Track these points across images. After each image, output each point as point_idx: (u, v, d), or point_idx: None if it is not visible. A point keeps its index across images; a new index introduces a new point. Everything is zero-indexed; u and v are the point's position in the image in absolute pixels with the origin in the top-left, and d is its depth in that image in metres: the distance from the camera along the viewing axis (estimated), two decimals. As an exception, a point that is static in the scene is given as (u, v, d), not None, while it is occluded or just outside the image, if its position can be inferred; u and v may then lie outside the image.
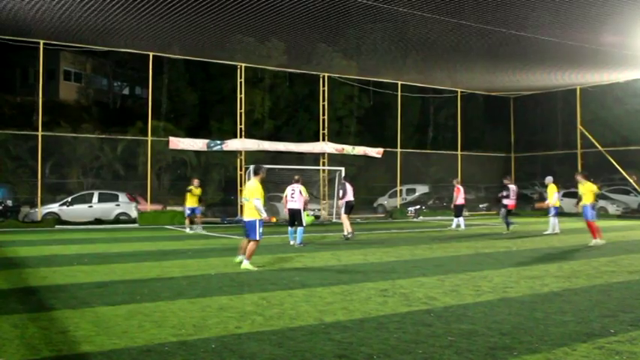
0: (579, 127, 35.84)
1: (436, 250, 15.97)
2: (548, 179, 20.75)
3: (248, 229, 11.73)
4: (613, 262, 13.06)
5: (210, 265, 12.75)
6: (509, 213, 22.53)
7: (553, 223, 20.92)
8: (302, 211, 17.22)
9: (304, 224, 17.24)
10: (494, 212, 37.77)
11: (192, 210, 22.02)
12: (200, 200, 22.31)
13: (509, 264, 12.86)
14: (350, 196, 19.68)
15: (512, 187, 22.75)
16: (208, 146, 29.30)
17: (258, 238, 11.62)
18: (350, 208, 19.73)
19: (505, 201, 22.55)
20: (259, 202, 11.56)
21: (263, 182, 11.97)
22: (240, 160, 30.34)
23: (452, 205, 24.21)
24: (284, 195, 17.88)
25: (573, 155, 36.13)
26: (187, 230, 21.99)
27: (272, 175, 28.07)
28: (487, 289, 9.83)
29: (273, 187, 28.50)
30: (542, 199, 21.99)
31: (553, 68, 30.45)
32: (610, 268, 12.15)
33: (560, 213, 34.92)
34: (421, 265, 12.75)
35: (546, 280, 10.61)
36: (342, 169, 30.14)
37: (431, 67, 31.33)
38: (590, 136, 35.38)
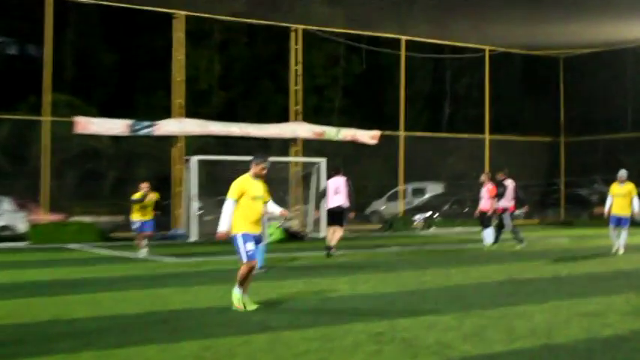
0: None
1: (453, 277, 15.95)
2: (623, 174, 20.78)
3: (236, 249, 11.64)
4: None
5: (132, 300, 12.68)
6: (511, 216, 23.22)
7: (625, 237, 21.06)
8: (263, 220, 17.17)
9: (266, 240, 17.16)
10: (536, 221, 38.04)
11: (142, 225, 21.35)
12: (157, 209, 21.77)
13: (557, 295, 12.90)
14: (339, 200, 20.13)
15: (510, 183, 23.30)
16: (132, 129, 29.16)
17: (244, 260, 11.45)
18: (334, 215, 20.28)
19: (501, 203, 22.99)
20: (229, 205, 11.35)
21: (261, 178, 11.67)
22: (178, 149, 30.20)
23: (477, 212, 24.21)
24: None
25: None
26: (140, 253, 21.40)
27: (220, 169, 27.95)
28: (524, 331, 9.81)
29: (223, 188, 28.43)
30: (604, 201, 22.20)
31: (621, 15, 30.65)
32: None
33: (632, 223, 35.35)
34: (432, 298, 12.73)
35: (609, 319, 10.64)
36: (323, 160, 30.09)
37: (448, 16, 31.44)
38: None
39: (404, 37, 35.01)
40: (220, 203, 33.21)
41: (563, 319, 10.66)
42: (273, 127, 32.32)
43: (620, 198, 20.62)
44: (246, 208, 11.33)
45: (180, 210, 29.77)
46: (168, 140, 30.76)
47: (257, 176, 11.59)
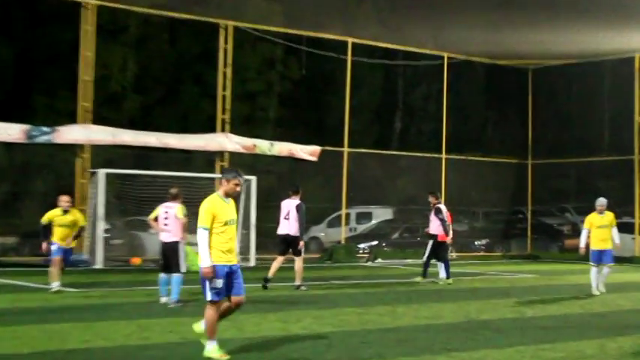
0: (637, 118, 36.72)
1: (402, 316, 15.95)
2: (604, 202, 20.87)
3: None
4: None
5: (24, 337, 12.51)
6: (438, 249, 23.51)
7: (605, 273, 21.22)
8: (180, 246, 17.01)
9: (182, 269, 17.04)
10: (499, 253, 38.39)
11: (64, 252, 19.99)
12: (79, 234, 20.41)
13: (521, 340, 12.96)
14: (286, 227, 20.62)
15: (444, 208, 23.96)
16: (29, 135, 28.77)
17: (207, 298, 11.06)
18: (283, 243, 20.81)
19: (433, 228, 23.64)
20: (203, 236, 10.80)
21: (229, 196, 11.16)
22: (82, 160, 29.81)
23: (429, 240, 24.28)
24: (150, 218, 17.70)
25: (628, 163, 37.03)
26: (53, 286, 20.04)
27: (133, 186, 27.64)
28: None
29: (135, 207, 28.14)
30: (577, 233, 22.45)
31: (598, 23, 31.14)
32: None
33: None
34: (375, 341, 12.69)
35: (579, 368, 10.71)
36: (253, 178, 30.00)
37: (402, 17, 31.64)
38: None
39: (351, 40, 35.12)
40: (131, 225, 32.86)
41: (527, 367, 10.72)
42: (196, 139, 32.10)
43: (601, 230, 20.68)
44: (216, 236, 10.81)
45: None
46: (72, 149, 30.34)
47: (228, 195, 11.05)
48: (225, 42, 32.63)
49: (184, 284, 17.57)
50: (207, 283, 10.80)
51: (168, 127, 35.87)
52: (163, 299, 17.19)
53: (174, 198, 17.47)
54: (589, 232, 20.75)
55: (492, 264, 33.32)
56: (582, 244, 20.98)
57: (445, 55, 37.71)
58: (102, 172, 28.26)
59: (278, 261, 20.85)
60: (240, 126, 35.57)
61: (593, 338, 13.27)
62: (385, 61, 39.82)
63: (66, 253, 19.62)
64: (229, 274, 10.89)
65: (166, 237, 17.19)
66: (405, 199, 40.15)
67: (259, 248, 30.46)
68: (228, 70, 32.64)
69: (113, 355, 11.20)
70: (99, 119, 31.21)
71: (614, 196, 33.42)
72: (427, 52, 37.79)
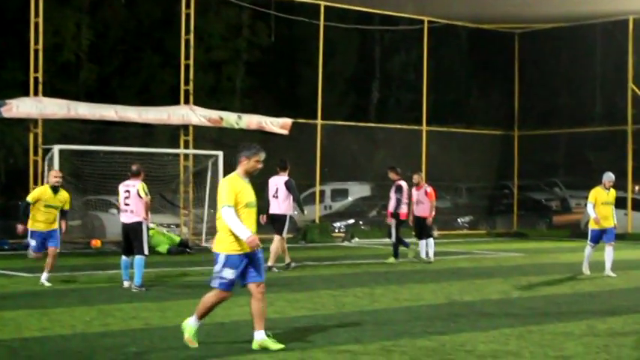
0: (631, 85, 36.98)
1: (380, 298, 16.07)
2: (612, 177, 20.83)
3: None
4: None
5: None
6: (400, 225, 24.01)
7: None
8: (142, 226, 17.07)
9: (145, 251, 17.09)
10: (483, 231, 38.61)
11: (42, 238, 19.64)
12: (64, 214, 18.67)
13: (506, 322, 13.13)
14: (275, 206, 21.19)
15: (405, 185, 24.29)
16: (-25, 110, 28.60)
17: (214, 285, 10.81)
18: (273, 223, 21.41)
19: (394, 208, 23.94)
20: (231, 213, 10.53)
21: (250, 175, 10.97)
22: (35, 135, 29.74)
23: (411, 219, 24.59)
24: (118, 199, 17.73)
25: (620, 134, 37.31)
26: (44, 277, 18.19)
27: (91, 163, 27.58)
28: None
29: (94, 186, 28.11)
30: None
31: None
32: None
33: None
34: (353, 325, 12.82)
35: (567, 350, 10.89)
36: (219, 153, 30.00)
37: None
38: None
39: (323, 3, 35.03)
40: (90, 204, 32.71)
41: (514, 349, 10.87)
42: (157, 111, 32.01)
43: (605, 207, 20.65)
44: None
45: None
46: (23, 124, 30.25)
47: (248, 174, 10.90)
48: (187, 6, 32.44)
49: (148, 267, 17.65)
50: (219, 271, 10.72)
51: (127, 99, 35.76)
52: (126, 283, 17.21)
53: (135, 175, 17.45)
54: (594, 207, 20.60)
55: (476, 242, 33.48)
56: (593, 214, 20.60)
57: (425, 19, 37.64)
58: (56, 149, 28.09)
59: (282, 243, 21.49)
60: (205, 97, 35.57)
61: (582, 319, 13.46)
62: (361, 26, 39.78)
63: (47, 237, 18.15)
64: (248, 262, 10.78)
65: (128, 217, 17.21)
66: (384, 174, 40.14)
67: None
68: (191, 37, 32.49)
69: (72, 343, 11.20)
70: (52, 91, 31.12)
71: (606, 169, 33.64)
72: (406, 16, 37.79)
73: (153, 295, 16.21)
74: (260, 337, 10.77)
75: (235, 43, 44.22)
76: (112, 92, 38.88)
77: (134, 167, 17.72)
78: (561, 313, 14.15)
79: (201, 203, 30.50)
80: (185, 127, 32.27)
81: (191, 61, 32.48)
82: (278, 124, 33.76)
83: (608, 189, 20.74)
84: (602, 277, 20.25)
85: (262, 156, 10.91)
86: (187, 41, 32.46)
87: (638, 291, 17.91)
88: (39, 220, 17.95)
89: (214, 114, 32.78)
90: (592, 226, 20.84)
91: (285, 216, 21.24)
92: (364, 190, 39.61)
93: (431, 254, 24.10)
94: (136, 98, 37.13)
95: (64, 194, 18.39)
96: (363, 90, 48.70)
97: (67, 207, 18.61)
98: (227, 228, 10.62)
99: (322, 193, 36.53)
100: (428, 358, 10.34)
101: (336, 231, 35.28)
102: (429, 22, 37.80)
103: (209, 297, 10.95)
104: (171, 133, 33.61)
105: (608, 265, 20.57)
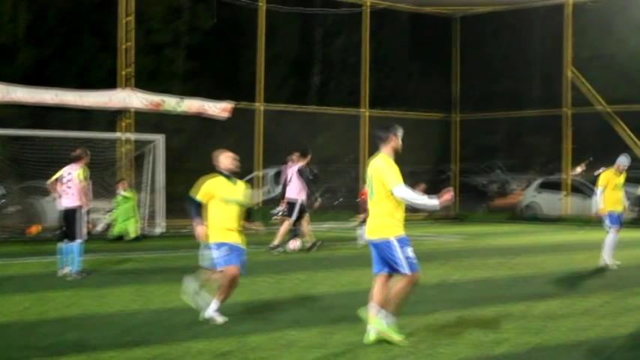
0: (569, 69, 37.31)
1: (319, 283, 16.13)
2: (626, 161, 19.33)
3: None
4: (611, 302, 13.80)
5: None
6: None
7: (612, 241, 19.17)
8: (78, 212, 16.93)
9: (79, 237, 16.92)
10: (422, 215, 38.76)
11: None
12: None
13: (444, 305, 13.28)
14: (289, 192, 22.76)
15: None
16: None
17: (413, 270, 10.81)
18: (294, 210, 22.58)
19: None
20: (405, 190, 10.52)
21: (398, 153, 10.98)
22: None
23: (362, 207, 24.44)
24: (50, 181, 17.44)
25: (558, 118, 37.63)
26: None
27: (29, 148, 27.31)
28: (403, 349, 10.00)
29: (32, 171, 27.82)
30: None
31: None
32: (607, 309, 12.75)
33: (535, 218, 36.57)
34: (292, 310, 12.90)
35: (504, 333, 11.00)
36: (160, 137, 29.84)
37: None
38: (587, 86, 36.93)
39: (265, -14, 34.99)
40: (28, 190, 32.26)
41: (449, 333, 10.92)
42: (97, 95, 31.72)
43: (617, 191, 19.23)
44: (388, 204, 10.62)
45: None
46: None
47: (397, 153, 11.03)
48: (128, -12, 32.23)
49: (87, 254, 17.51)
50: (405, 250, 10.67)
51: (65, 82, 35.32)
52: (64, 270, 17.08)
53: (76, 160, 17.28)
54: (602, 192, 19.15)
55: (416, 226, 33.49)
56: (601, 204, 19.21)
57: (366, 2, 37.71)
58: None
59: (304, 225, 23.09)
60: (146, 81, 35.22)
61: (520, 301, 13.65)
62: (301, 9, 39.65)
63: None
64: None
65: (67, 202, 17.08)
66: (325, 158, 40.27)
67: (169, 214, 30.19)
68: (131, 20, 32.19)
69: (8, 331, 11.19)
70: (-12, 76, 30.71)
71: (544, 152, 34.16)
72: (346, -2, 37.80)
73: (91, 282, 16.08)
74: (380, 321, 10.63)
75: (176, 26, 43.85)
76: (51, 76, 38.40)
77: (77, 152, 17.53)
78: (499, 296, 14.27)
79: (141, 188, 30.29)
80: (125, 111, 32.01)
81: (131, 44, 32.20)
82: (219, 108, 33.59)
83: (622, 172, 19.33)
84: (600, 265, 19.15)
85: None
86: (127, 24, 32.16)
87: (575, 273, 18.07)
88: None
89: (155, 98, 32.52)
90: (610, 209, 19.05)
91: (297, 201, 22.59)
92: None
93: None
94: (74, 82, 36.70)
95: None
96: (303, 74, 48.61)
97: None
98: (388, 212, 10.55)
99: (263, 177, 36.39)
100: (367, 343, 10.35)
101: (276, 216, 35.19)
102: (370, 5, 37.81)
103: (401, 287, 10.69)
104: (110, 118, 33.31)
105: (611, 252, 19.13)
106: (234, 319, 11.94)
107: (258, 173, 35.47)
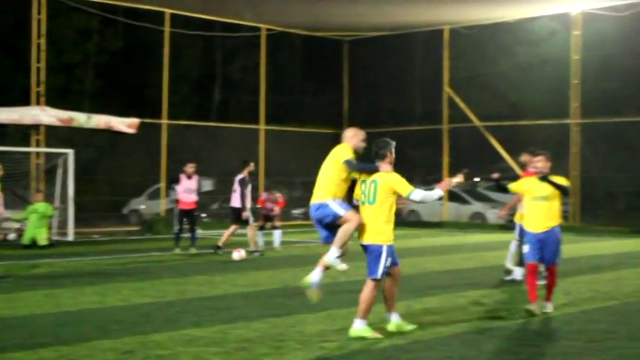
0: (446, 89, 38.06)
1: (219, 285, 16.22)
2: None
3: None
4: (488, 296, 14.08)
5: None
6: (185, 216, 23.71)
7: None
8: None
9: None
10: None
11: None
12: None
13: (333, 304, 13.43)
14: (233, 200, 22.64)
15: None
16: None
17: (381, 277, 11.21)
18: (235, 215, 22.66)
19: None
20: (420, 193, 10.91)
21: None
22: None
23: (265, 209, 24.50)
24: None
25: (437, 133, 38.33)
26: None
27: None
28: (296, 345, 10.23)
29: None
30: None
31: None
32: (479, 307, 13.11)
33: (418, 222, 37.21)
34: (193, 310, 13.00)
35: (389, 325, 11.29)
36: (70, 152, 29.56)
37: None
38: (462, 104, 37.74)
39: (168, 11, 34.81)
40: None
41: (339, 329, 11.15)
42: (9, 112, 31.21)
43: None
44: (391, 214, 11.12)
45: None
46: None
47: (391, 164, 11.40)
48: (39, 12, 31.79)
49: (2, 260, 17.32)
50: (383, 262, 10.99)
51: (-21, 99, 34.87)
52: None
53: (-11, 172, 17.13)
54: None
55: (309, 232, 33.74)
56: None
57: (263, 26, 37.91)
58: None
59: (230, 230, 23.04)
60: (57, 98, 34.85)
61: (401, 300, 13.77)
62: (203, 33, 39.67)
63: None
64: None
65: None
66: (226, 170, 40.26)
67: (78, 222, 29.94)
68: (42, 41, 31.86)
69: None
70: None
71: (425, 164, 34.68)
72: (245, 23, 37.90)
73: (3, 286, 15.88)
74: (395, 318, 11.35)
75: (86, 47, 43.51)
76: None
77: (-11, 165, 17.36)
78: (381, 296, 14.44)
79: (52, 199, 29.97)
80: (36, 126, 31.62)
81: (42, 64, 31.86)
82: (126, 124, 33.35)
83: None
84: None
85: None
86: (39, 45, 31.82)
87: (451, 273, 18.45)
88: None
89: (65, 114, 32.14)
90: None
91: (239, 209, 22.41)
92: (207, 185, 39.49)
93: (277, 244, 24.78)
94: (-11, 99, 36.18)
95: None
96: (205, 92, 48.65)
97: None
98: (384, 219, 10.88)
99: (168, 188, 36.26)
100: (261, 339, 10.52)
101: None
102: (266, 29, 38.06)
103: (369, 293, 11.01)
104: (22, 133, 32.88)
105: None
106: (139, 320, 11.99)
107: (162, 184, 35.37)
